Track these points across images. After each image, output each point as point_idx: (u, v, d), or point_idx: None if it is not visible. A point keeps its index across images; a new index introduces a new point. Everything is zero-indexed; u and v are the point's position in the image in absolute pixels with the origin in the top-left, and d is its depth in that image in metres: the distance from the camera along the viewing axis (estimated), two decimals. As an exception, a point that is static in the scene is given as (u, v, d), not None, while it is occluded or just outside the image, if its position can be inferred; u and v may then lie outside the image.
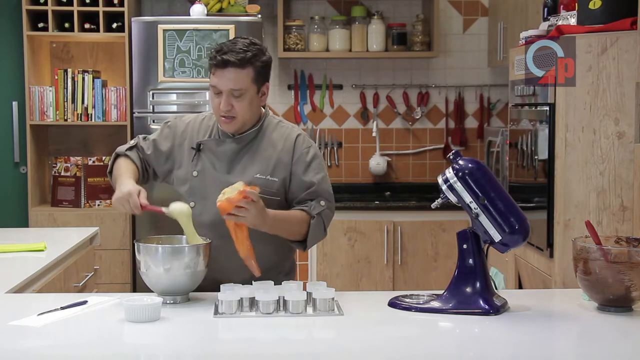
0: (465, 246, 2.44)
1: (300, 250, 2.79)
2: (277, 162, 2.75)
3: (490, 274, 2.57)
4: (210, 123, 2.86)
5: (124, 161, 2.85)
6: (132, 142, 2.92)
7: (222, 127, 2.76)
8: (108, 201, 5.20)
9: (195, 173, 2.79)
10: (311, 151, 2.79)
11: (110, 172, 2.89)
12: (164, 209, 2.61)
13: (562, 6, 3.59)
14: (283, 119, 2.90)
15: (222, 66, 2.66)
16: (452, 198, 2.43)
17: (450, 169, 2.43)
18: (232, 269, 2.68)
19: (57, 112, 5.13)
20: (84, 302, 2.45)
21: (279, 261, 2.84)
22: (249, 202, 2.47)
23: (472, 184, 2.40)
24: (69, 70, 5.15)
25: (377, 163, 5.58)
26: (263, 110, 2.84)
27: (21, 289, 2.84)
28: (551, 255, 3.40)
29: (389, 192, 5.54)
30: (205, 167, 2.78)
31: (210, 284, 2.63)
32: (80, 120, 5.16)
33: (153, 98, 4.98)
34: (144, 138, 2.91)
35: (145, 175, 2.90)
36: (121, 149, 2.90)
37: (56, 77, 5.14)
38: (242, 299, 2.39)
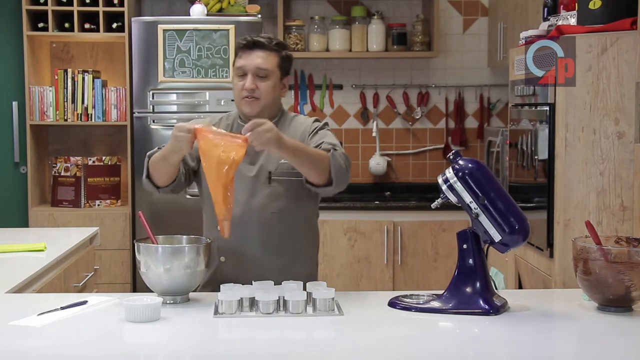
0: (465, 246, 2.44)
1: (328, 193, 2.72)
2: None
3: (490, 274, 2.57)
4: (229, 121, 2.89)
5: None
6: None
7: (244, 109, 2.79)
8: (108, 201, 5.20)
9: None
10: (322, 126, 2.84)
11: (148, 175, 2.80)
12: None
13: (562, 6, 3.59)
14: (298, 113, 2.96)
15: (250, 47, 2.78)
16: (452, 198, 2.43)
17: (450, 169, 2.43)
18: (259, 262, 2.74)
19: (57, 112, 5.13)
20: (84, 302, 2.45)
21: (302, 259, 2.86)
22: (256, 127, 2.48)
23: (472, 184, 2.40)
24: (69, 70, 5.15)
25: (377, 163, 5.58)
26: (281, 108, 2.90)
27: (21, 289, 2.83)
28: (551, 255, 3.40)
29: (389, 192, 5.54)
30: None
31: (236, 281, 2.65)
32: (80, 120, 5.16)
33: (153, 98, 4.98)
34: None
35: (184, 172, 2.81)
36: (154, 151, 2.82)
37: (56, 77, 5.15)
38: (242, 299, 2.39)
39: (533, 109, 3.61)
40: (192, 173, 2.86)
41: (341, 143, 2.77)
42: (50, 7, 5.05)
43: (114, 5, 5.13)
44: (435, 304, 2.42)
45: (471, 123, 5.68)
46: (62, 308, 2.39)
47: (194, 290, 2.58)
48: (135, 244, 2.52)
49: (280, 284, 2.53)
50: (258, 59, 2.76)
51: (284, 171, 2.76)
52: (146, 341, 2.19)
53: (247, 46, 2.78)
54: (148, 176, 2.80)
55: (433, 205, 2.54)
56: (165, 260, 2.45)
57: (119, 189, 5.30)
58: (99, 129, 5.41)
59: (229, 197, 2.52)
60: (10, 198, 5.38)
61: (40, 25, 5.12)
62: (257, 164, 2.79)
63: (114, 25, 5.16)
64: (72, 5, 5.05)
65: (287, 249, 2.79)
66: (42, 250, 3.38)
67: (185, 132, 2.54)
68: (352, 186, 5.57)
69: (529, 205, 3.63)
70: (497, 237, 2.39)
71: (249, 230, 2.75)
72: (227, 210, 2.52)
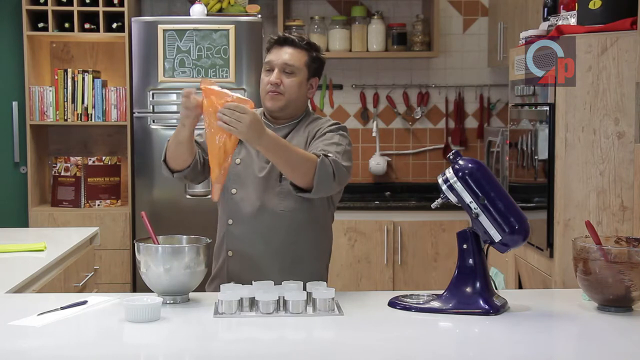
0: (465, 246, 2.44)
1: (307, 197, 2.66)
2: (309, 144, 2.77)
3: (490, 274, 2.57)
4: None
5: None
6: None
7: (267, 104, 2.78)
8: (108, 201, 5.20)
9: (238, 161, 2.80)
10: (335, 129, 2.77)
11: (165, 159, 2.77)
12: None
13: (562, 6, 3.59)
14: (325, 116, 2.95)
15: (281, 43, 2.79)
16: (452, 198, 2.43)
17: (450, 169, 2.43)
18: (265, 259, 2.74)
19: (57, 112, 5.13)
20: (84, 302, 2.45)
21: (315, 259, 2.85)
22: (233, 113, 2.42)
23: (472, 184, 2.40)
24: (69, 70, 5.15)
25: (377, 163, 5.58)
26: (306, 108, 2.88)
27: (21, 289, 2.84)
28: (551, 255, 3.40)
29: (389, 192, 5.54)
30: (247, 155, 2.80)
31: (241, 276, 2.67)
32: (80, 120, 5.16)
33: (153, 98, 4.98)
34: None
35: (201, 162, 2.78)
36: None
37: (56, 77, 5.15)
38: (242, 299, 2.39)
39: (533, 109, 3.61)
40: (204, 164, 2.82)
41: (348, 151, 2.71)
42: (50, 7, 5.05)
43: (114, 5, 5.13)
44: (435, 304, 2.42)
45: (471, 123, 5.68)
46: (62, 308, 2.39)
47: (202, 283, 2.58)
48: (135, 244, 2.52)
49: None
50: (286, 54, 2.77)
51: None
52: (146, 341, 2.19)
53: (278, 42, 2.80)
54: (165, 160, 2.77)
55: (433, 205, 2.54)
56: (165, 260, 2.45)
57: (119, 189, 5.30)
58: (99, 129, 5.41)
59: (226, 162, 2.49)
60: (10, 198, 5.38)
61: (40, 25, 5.12)
62: (270, 163, 2.77)
63: (114, 25, 5.16)
64: (72, 5, 5.05)
65: (294, 248, 2.78)
66: (42, 250, 3.38)
67: (194, 93, 2.52)
68: (352, 186, 5.61)
69: (529, 205, 3.63)
70: (497, 237, 2.39)
71: (256, 227, 2.75)
72: (220, 174, 2.49)
